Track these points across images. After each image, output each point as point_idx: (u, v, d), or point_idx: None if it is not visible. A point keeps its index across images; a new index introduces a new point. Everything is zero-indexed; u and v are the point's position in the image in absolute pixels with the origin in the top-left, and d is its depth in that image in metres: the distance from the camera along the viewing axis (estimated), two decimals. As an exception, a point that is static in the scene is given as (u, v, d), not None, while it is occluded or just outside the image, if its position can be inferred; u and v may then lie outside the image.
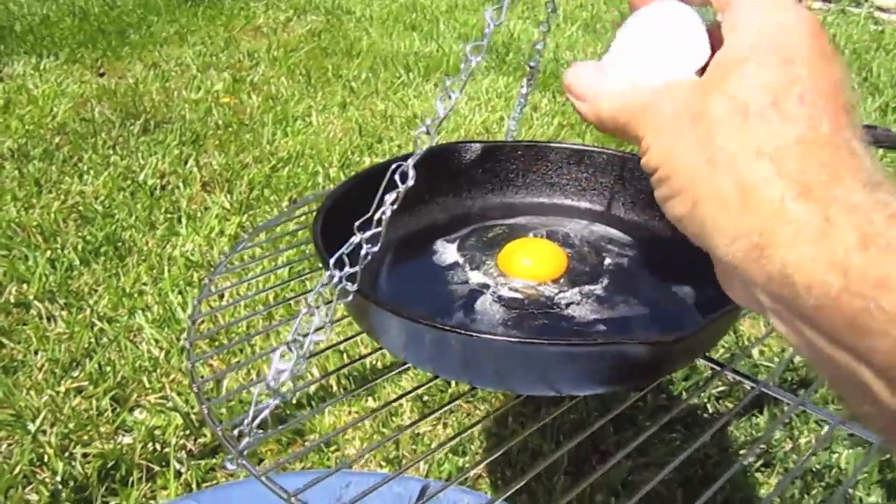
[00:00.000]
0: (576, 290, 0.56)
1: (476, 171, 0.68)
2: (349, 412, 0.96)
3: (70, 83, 2.08)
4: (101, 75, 2.19)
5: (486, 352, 0.42)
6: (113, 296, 1.16)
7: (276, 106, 1.94)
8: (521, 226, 0.65)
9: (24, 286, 1.19)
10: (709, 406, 0.99)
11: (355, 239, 0.40)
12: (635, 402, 0.93)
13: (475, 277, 0.57)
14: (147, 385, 0.99)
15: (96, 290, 1.19)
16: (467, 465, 0.88)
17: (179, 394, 0.98)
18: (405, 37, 2.57)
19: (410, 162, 0.39)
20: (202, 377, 0.95)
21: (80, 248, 1.28)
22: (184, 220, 1.39)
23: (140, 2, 2.94)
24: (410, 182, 0.39)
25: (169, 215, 1.41)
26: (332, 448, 0.91)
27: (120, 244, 1.31)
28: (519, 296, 0.55)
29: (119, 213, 1.40)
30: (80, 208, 1.41)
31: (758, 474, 0.88)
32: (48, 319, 1.12)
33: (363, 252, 0.40)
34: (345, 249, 0.40)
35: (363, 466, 0.88)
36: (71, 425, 0.93)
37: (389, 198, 0.39)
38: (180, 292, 1.18)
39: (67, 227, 1.36)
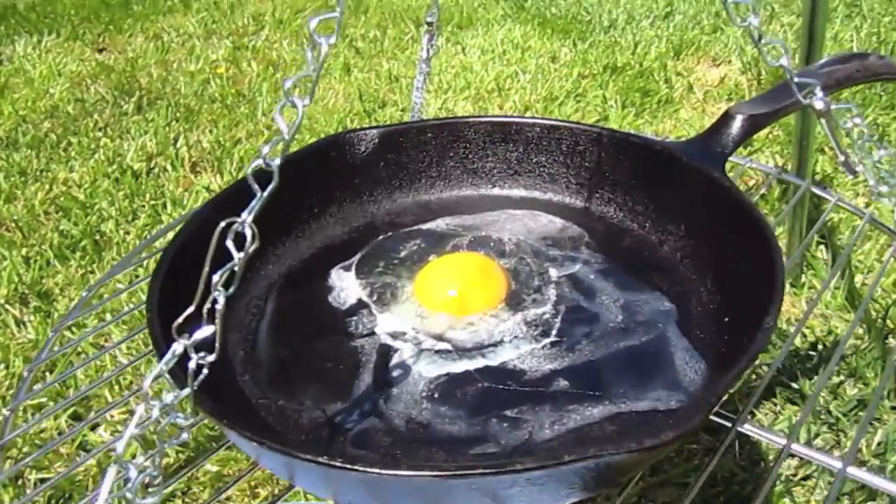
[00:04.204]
0: (519, 318, 0.43)
1: (377, 167, 0.54)
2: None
3: (69, 62, 1.99)
4: (101, 51, 2.10)
5: (399, 489, 0.30)
6: (84, 297, 1.08)
7: (277, 73, 1.82)
8: (441, 233, 0.51)
9: (-3, 289, 1.12)
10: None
11: (178, 348, 0.27)
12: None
13: (386, 323, 0.44)
14: (110, 399, 0.91)
15: (67, 291, 1.11)
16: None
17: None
18: (418, -13, 2.40)
19: (248, 218, 0.26)
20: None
21: (56, 243, 1.20)
22: (168, 207, 1.29)
23: (146, -31, 2.84)
24: (254, 246, 0.27)
25: (153, 202, 1.32)
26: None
27: (98, 237, 1.23)
28: (446, 345, 0.41)
29: (101, 202, 1.31)
30: (62, 199, 1.33)
31: (797, 489, 0.75)
32: (18, 326, 1.05)
33: (192, 366, 0.28)
34: (163, 368, 0.28)
35: None
36: (26, 448, 0.85)
37: (221, 278, 0.27)
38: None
39: (48, 221, 1.29)
